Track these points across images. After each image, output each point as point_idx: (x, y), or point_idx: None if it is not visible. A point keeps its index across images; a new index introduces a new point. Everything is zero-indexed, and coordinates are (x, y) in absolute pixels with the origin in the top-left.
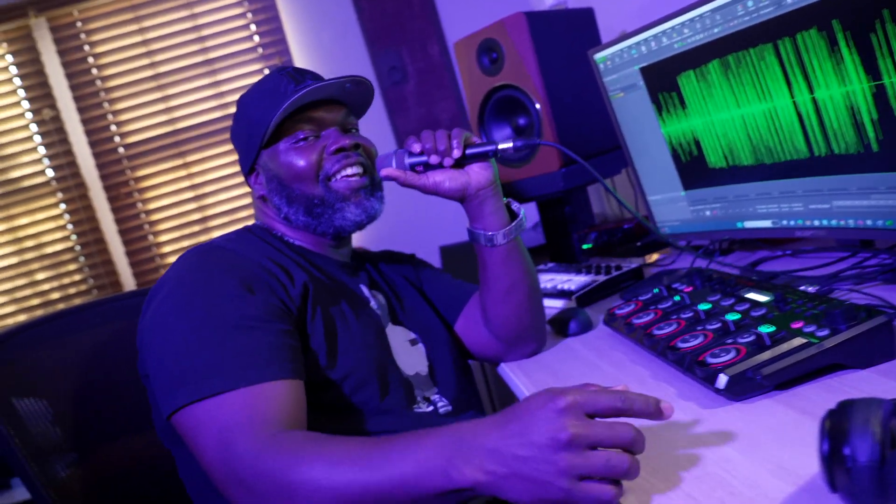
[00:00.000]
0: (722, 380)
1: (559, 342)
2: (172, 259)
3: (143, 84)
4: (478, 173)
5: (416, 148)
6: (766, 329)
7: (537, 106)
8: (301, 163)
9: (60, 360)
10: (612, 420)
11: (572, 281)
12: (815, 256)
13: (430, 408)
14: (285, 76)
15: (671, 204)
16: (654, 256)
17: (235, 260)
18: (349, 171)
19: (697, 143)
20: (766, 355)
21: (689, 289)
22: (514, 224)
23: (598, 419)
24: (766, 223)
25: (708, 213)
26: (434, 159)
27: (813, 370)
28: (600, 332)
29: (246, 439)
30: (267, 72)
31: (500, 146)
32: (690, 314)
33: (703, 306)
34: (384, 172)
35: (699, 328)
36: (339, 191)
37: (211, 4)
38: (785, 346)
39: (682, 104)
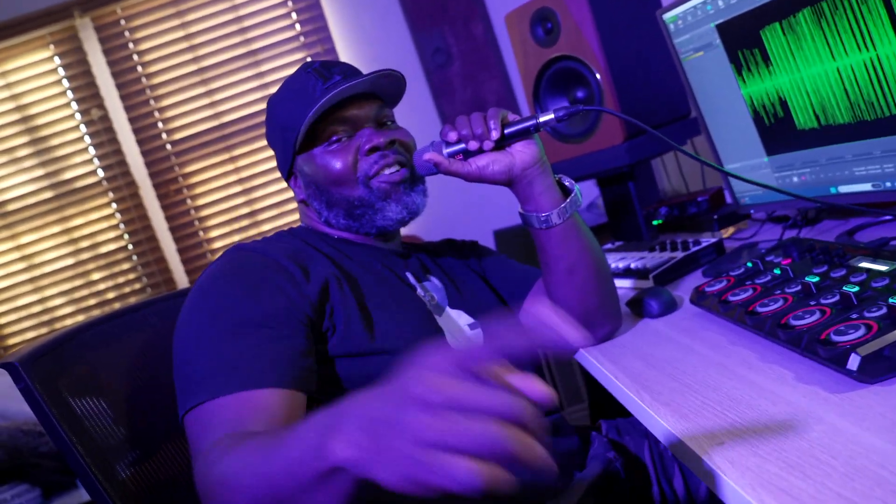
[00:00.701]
0: (854, 360)
1: (641, 324)
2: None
3: (188, 79)
4: (521, 152)
5: (453, 136)
6: None
7: (598, 76)
8: (337, 165)
9: (119, 359)
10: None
11: (646, 259)
12: None
13: None
14: (312, 74)
15: (752, 172)
16: (731, 230)
17: (249, 260)
18: (387, 171)
19: (784, 103)
20: None
21: (787, 261)
22: (568, 201)
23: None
24: (866, 186)
25: (796, 179)
26: (473, 145)
27: None
28: (686, 312)
29: (210, 450)
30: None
31: (541, 119)
32: (797, 288)
33: (811, 278)
34: (427, 156)
35: (812, 303)
36: (378, 189)
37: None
38: None
39: (767, 61)
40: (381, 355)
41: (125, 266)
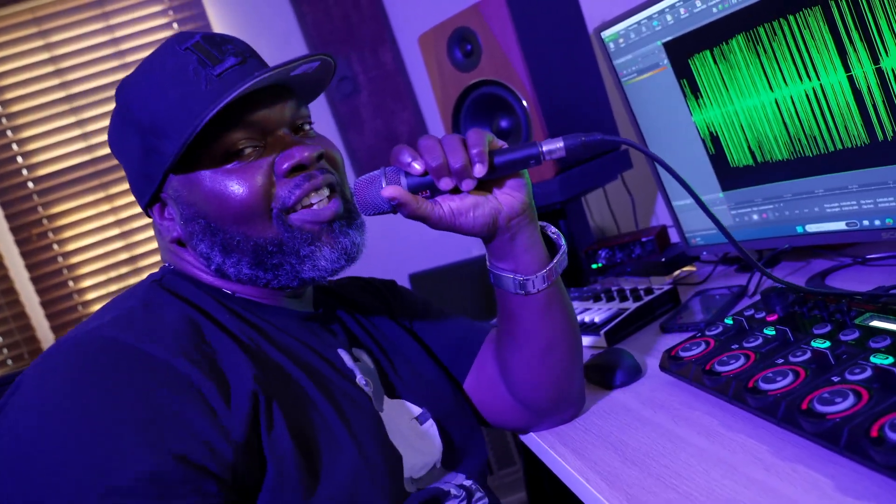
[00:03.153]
0: None
1: (601, 396)
2: (97, 307)
3: (54, 107)
4: (508, 195)
5: (418, 168)
6: None
7: (524, 103)
8: (241, 193)
9: None
10: None
11: (592, 311)
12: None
13: (464, 503)
14: (193, 52)
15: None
16: (677, 275)
17: (132, 373)
18: (314, 198)
19: (744, 131)
20: None
21: (774, 317)
22: (555, 261)
23: None
24: (839, 225)
25: (755, 216)
26: (445, 184)
27: None
28: (654, 380)
29: None
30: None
31: (545, 148)
32: (806, 356)
33: (819, 343)
34: (387, 193)
35: (835, 379)
36: (303, 228)
37: (130, 15)
38: None
39: (725, 84)
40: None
41: None
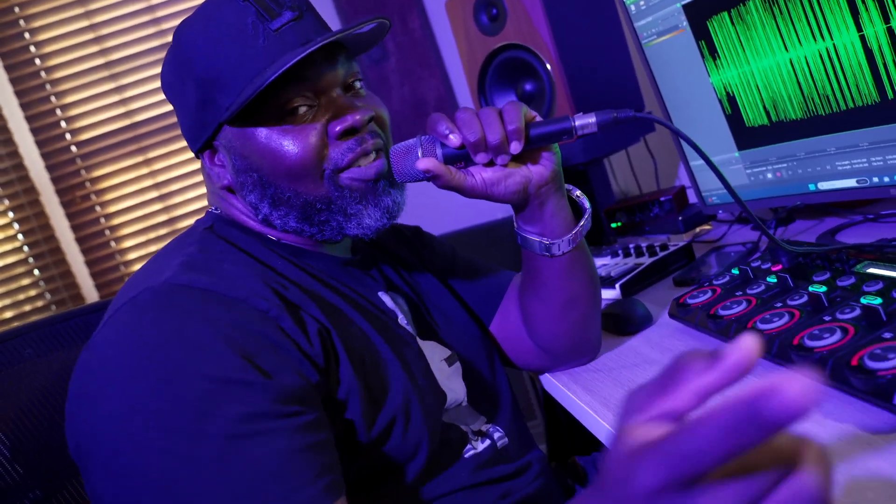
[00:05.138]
0: None
1: (615, 342)
2: (138, 267)
3: (94, 73)
4: (538, 165)
5: (454, 140)
6: None
7: (548, 67)
8: (295, 152)
9: (14, 386)
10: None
11: (609, 266)
12: None
13: (487, 442)
14: (251, 5)
15: (722, 168)
16: (695, 233)
17: (228, 311)
18: (363, 161)
19: (759, 91)
20: None
21: (778, 267)
22: (580, 225)
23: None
24: (850, 182)
25: (770, 175)
26: (481, 158)
27: None
28: (664, 327)
29: None
30: None
31: (578, 123)
32: (803, 299)
33: (817, 288)
34: (423, 165)
35: (827, 318)
36: (352, 188)
37: None
38: None
39: (742, 46)
40: (387, 427)
41: (25, 282)
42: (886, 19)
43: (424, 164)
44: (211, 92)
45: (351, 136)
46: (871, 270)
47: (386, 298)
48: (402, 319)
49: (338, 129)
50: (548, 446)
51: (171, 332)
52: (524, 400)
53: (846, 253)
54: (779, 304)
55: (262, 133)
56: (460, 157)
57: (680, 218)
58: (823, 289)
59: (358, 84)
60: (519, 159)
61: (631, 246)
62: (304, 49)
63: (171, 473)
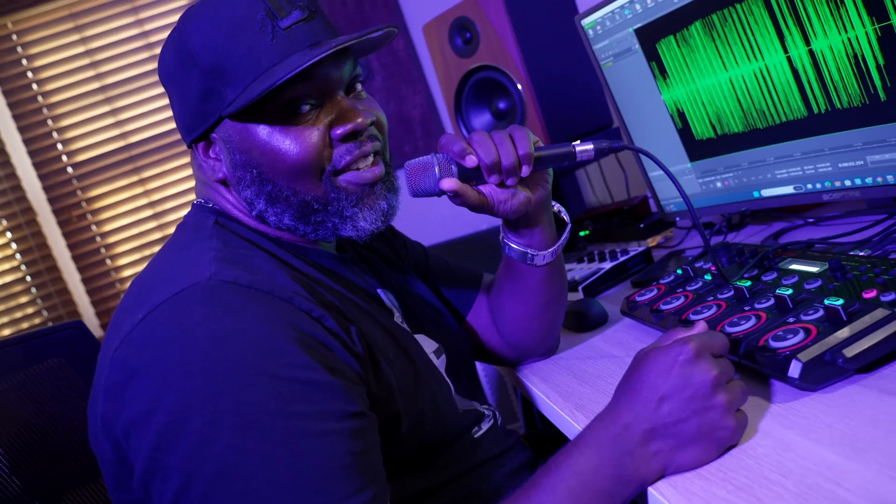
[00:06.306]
0: (796, 367)
1: (574, 339)
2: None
3: (90, 97)
4: (538, 185)
5: (472, 161)
6: (834, 302)
7: (519, 86)
8: (296, 152)
9: (11, 399)
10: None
11: (574, 270)
12: (844, 223)
13: (490, 422)
14: (261, 2)
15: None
16: (657, 239)
17: (276, 311)
18: (361, 164)
19: (705, 107)
20: (845, 333)
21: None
22: (562, 239)
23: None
24: (788, 189)
25: (719, 184)
26: (494, 179)
27: None
28: (618, 324)
29: None
30: None
31: (578, 149)
32: (730, 293)
33: (743, 283)
34: (446, 185)
35: (746, 308)
36: (349, 190)
37: (159, 9)
38: (867, 320)
39: (687, 66)
40: (410, 418)
41: (23, 300)
42: (808, 42)
43: (449, 184)
44: (216, 83)
45: (352, 140)
46: (792, 266)
47: (383, 295)
48: (397, 317)
49: (340, 132)
50: (525, 432)
51: (229, 329)
52: (505, 403)
53: (772, 252)
54: (710, 298)
55: (265, 130)
56: (472, 177)
57: (641, 225)
58: (748, 283)
59: (359, 86)
60: (522, 180)
61: (595, 252)
62: (318, 52)
63: (238, 469)
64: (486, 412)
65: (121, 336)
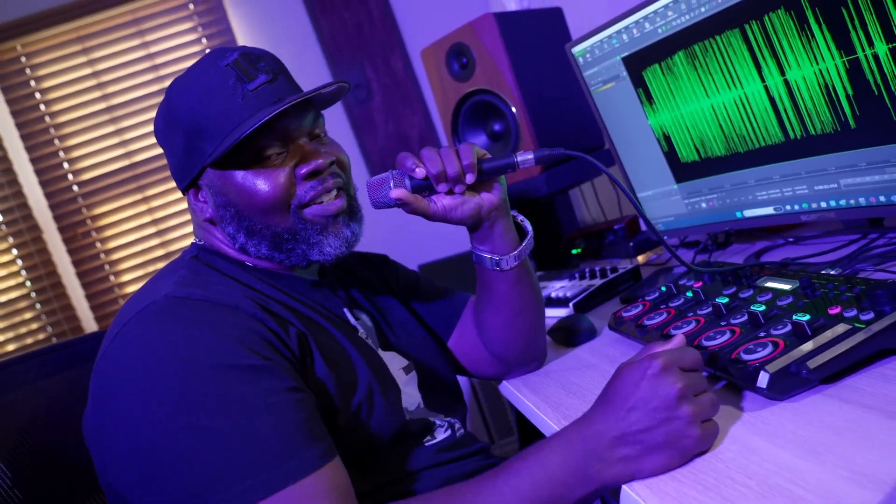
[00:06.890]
0: (763, 378)
1: (563, 353)
2: None
3: (96, 118)
4: (488, 193)
5: (420, 173)
6: (801, 317)
7: (513, 109)
8: (267, 190)
9: (14, 413)
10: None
11: (566, 287)
12: (821, 242)
13: (448, 432)
14: (232, 70)
15: (664, 199)
16: (648, 256)
17: (224, 314)
18: (325, 198)
19: (689, 132)
20: (809, 346)
21: (699, 284)
22: (524, 244)
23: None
24: (768, 210)
25: (704, 205)
26: (442, 188)
27: (862, 358)
28: (606, 338)
29: None
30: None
31: (519, 159)
32: (709, 309)
33: (721, 300)
34: (395, 194)
35: (723, 323)
36: (314, 221)
37: (163, 32)
38: (829, 334)
39: (672, 93)
40: (355, 419)
41: (27, 315)
42: (783, 72)
43: (396, 193)
44: (197, 140)
45: (315, 177)
46: (768, 284)
47: (349, 315)
48: (361, 333)
49: (303, 171)
50: (519, 446)
51: (178, 335)
52: (501, 418)
53: (750, 270)
54: (690, 314)
55: (239, 175)
56: (425, 188)
57: (631, 244)
58: (726, 300)
59: (321, 134)
60: (473, 188)
61: (587, 269)
62: (276, 108)
63: (197, 447)
64: (441, 423)
65: (101, 352)
